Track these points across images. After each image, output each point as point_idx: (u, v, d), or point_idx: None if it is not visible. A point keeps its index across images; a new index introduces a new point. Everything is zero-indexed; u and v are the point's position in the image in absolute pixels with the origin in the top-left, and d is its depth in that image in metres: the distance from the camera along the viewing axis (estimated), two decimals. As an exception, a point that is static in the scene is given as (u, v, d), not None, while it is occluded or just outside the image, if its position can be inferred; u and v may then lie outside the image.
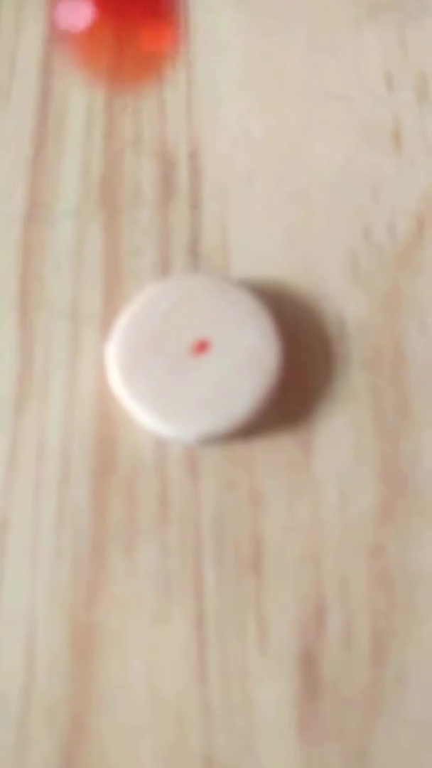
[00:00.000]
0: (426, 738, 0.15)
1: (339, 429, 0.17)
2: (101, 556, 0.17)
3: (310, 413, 0.18)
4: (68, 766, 0.15)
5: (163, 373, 0.17)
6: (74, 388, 0.18)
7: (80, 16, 0.14)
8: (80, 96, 0.21)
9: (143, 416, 0.17)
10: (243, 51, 0.21)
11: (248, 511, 0.17)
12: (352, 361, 0.18)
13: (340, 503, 0.17)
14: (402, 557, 0.16)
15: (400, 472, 0.17)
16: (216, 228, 0.19)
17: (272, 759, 0.15)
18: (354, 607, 0.16)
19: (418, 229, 0.19)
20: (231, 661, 0.16)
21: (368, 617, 0.16)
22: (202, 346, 0.18)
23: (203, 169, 0.20)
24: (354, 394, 0.18)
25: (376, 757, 0.15)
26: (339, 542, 0.17)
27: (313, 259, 0.19)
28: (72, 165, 0.20)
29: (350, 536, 0.17)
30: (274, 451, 0.17)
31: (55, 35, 0.14)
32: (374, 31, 0.21)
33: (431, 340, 0.18)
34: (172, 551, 0.17)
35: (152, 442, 0.17)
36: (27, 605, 0.16)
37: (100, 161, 0.20)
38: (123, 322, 0.18)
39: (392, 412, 0.17)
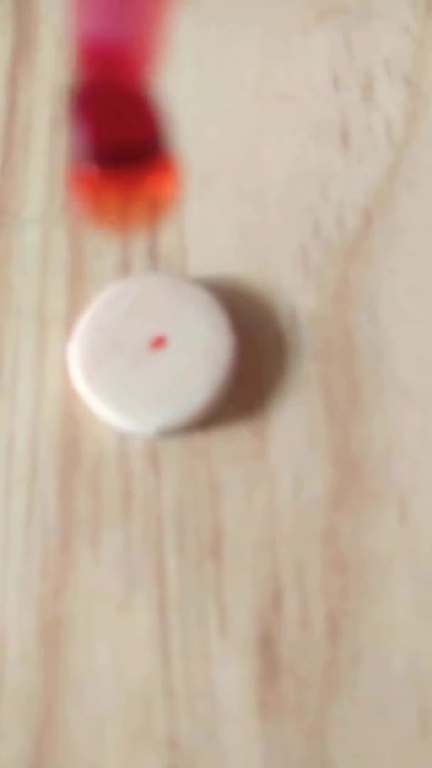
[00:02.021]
0: (379, 714, 0.14)
1: (292, 418, 0.16)
2: (68, 550, 0.15)
3: (264, 404, 0.16)
4: (38, 754, 0.14)
5: (123, 370, 0.16)
6: (40, 388, 0.17)
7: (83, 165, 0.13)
8: (45, 107, 0.20)
9: (105, 412, 0.16)
10: (197, 58, 0.20)
11: (207, 500, 0.16)
12: (304, 352, 0.16)
13: (295, 490, 0.16)
14: (355, 540, 0.15)
15: (351, 458, 0.16)
16: (174, 229, 0.18)
17: (234, 740, 0.14)
18: (309, 590, 0.15)
19: (366, 223, 0.17)
20: (193, 647, 0.15)
21: (323, 599, 0.15)
22: (159, 342, 0.16)
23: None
24: (306, 384, 0.16)
25: (333, 733, 0.14)
26: (294, 528, 0.15)
27: (266, 255, 0.17)
28: (38, 173, 0.19)
29: (305, 521, 0.15)
30: (230, 442, 0.16)
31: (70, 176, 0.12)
32: (322, 34, 0.20)
33: (380, 329, 0.17)
34: (135, 542, 0.15)
35: (115, 437, 0.16)
36: (-4, 598, 0.15)
37: (64, 169, 0.19)
38: (84, 322, 0.17)
39: (343, 400, 0.16)
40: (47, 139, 0.19)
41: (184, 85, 0.20)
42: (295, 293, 0.17)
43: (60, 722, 0.14)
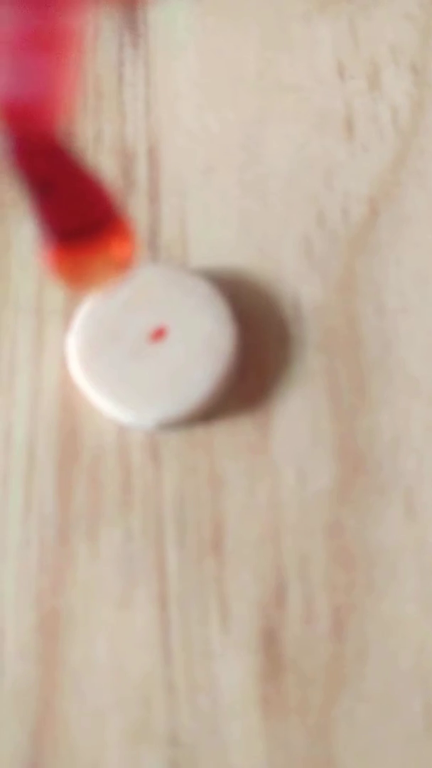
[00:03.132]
0: (385, 711, 0.14)
1: (296, 411, 0.16)
2: (67, 543, 0.15)
3: (267, 396, 0.16)
4: (37, 749, 0.14)
5: (123, 362, 0.16)
6: (38, 380, 0.17)
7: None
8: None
9: (104, 404, 0.16)
10: (199, 49, 0.20)
11: (209, 494, 0.16)
12: (308, 343, 0.17)
13: (299, 483, 0.16)
14: (360, 534, 0.15)
15: (357, 451, 0.16)
16: (174, 220, 0.18)
17: (236, 737, 0.14)
18: (314, 584, 0.15)
19: (371, 213, 0.17)
20: (194, 642, 0.15)
21: (328, 594, 0.15)
22: (159, 334, 0.16)
23: (162, 163, 0.19)
24: (310, 376, 0.16)
25: (338, 730, 0.14)
26: (298, 521, 0.15)
27: (268, 246, 0.17)
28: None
29: (309, 515, 0.15)
30: (232, 434, 0.16)
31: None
32: (325, 24, 0.20)
33: (385, 320, 0.17)
34: (135, 535, 0.15)
35: (114, 429, 0.16)
36: (-6, 593, 0.15)
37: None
38: (82, 313, 0.17)
39: (348, 392, 0.16)
40: (47, 130, 0.19)
41: (186, 75, 0.20)
42: (299, 284, 0.17)
43: (58, 717, 0.14)
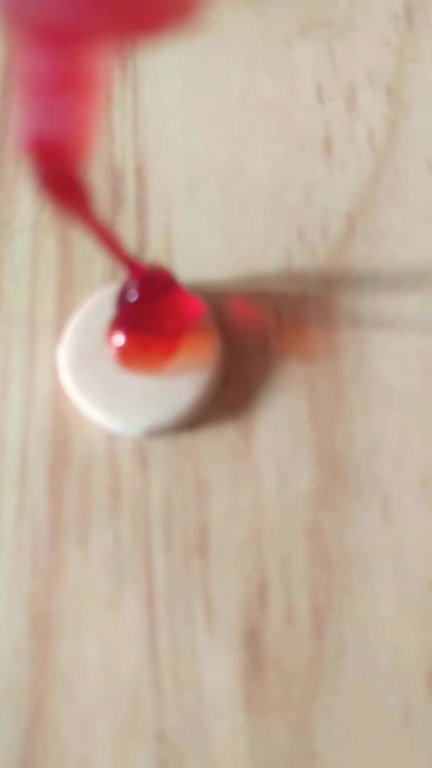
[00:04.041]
0: (363, 706, 0.14)
1: (277, 418, 0.17)
2: (58, 547, 0.16)
3: (250, 404, 0.17)
4: (29, 747, 0.15)
5: (111, 372, 0.17)
6: (31, 391, 0.17)
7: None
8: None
9: (93, 413, 0.17)
10: (185, 71, 0.21)
11: (194, 499, 0.16)
12: (288, 354, 0.17)
13: (280, 487, 0.16)
14: (339, 536, 0.16)
15: (335, 456, 0.16)
16: (161, 235, 0.19)
17: (220, 732, 0.15)
18: (294, 585, 0.15)
19: (348, 228, 0.18)
20: (180, 641, 0.15)
21: (308, 594, 0.15)
22: (146, 346, 0.17)
23: (149, 181, 0.19)
24: (291, 385, 0.17)
25: (318, 726, 0.14)
26: (279, 524, 0.16)
27: (251, 260, 0.18)
28: (28, 186, 0.20)
29: (290, 518, 0.16)
30: (217, 441, 0.16)
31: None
32: (306, 48, 0.20)
33: (362, 331, 0.17)
34: (123, 539, 0.16)
35: (104, 437, 0.17)
36: (-13, 596, 0.16)
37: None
38: (72, 325, 0.17)
39: (327, 400, 0.17)
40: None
41: (172, 96, 0.20)
42: (280, 297, 0.18)
43: (50, 716, 0.15)
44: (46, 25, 0.10)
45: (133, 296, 0.16)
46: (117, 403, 0.16)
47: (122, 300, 0.16)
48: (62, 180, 0.13)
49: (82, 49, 0.11)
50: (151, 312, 0.16)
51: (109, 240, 0.15)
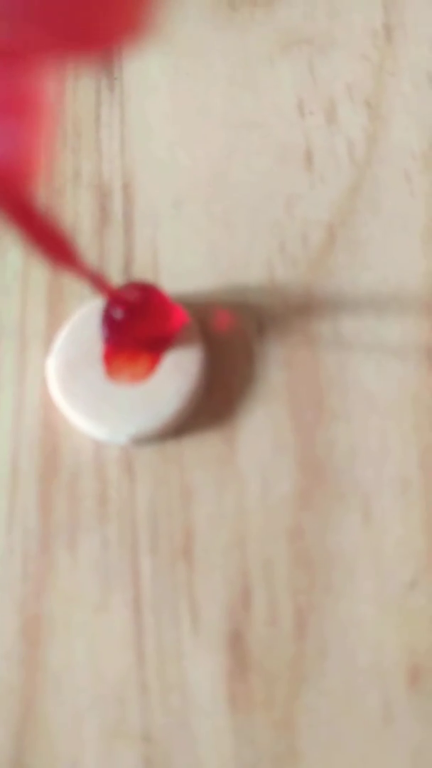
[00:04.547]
0: (345, 705, 0.15)
1: (260, 424, 0.17)
2: (48, 552, 0.16)
3: (233, 411, 0.17)
4: (19, 747, 0.15)
5: (98, 382, 0.17)
6: (21, 401, 0.18)
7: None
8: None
9: (81, 422, 0.17)
10: (170, 89, 0.21)
11: (179, 504, 0.17)
12: (270, 361, 0.17)
13: (263, 492, 0.16)
14: (320, 539, 0.16)
15: (316, 460, 0.17)
16: (147, 249, 0.19)
17: (206, 732, 0.15)
18: (277, 587, 0.16)
19: (329, 238, 0.19)
20: (166, 644, 0.15)
21: (290, 596, 0.15)
22: (132, 356, 0.17)
23: (135, 197, 0.20)
24: (273, 392, 0.17)
25: (301, 724, 0.15)
26: (262, 528, 0.16)
27: (234, 271, 0.18)
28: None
29: (272, 522, 0.16)
30: (201, 448, 0.17)
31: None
32: (287, 64, 0.21)
33: (342, 338, 0.18)
34: (111, 545, 0.16)
35: (91, 445, 0.17)
36: (-21, 601, 0.16)
37: (43, 197, 0.20)
38: (61, 337, 0.18)
39: (308, 406, 0.17)
40: (30, 167, 0.21)
41: (157, 113, 0.21)
42: (262, 307, 0.18)
43: (39, 717, 0.15)
44: None
45: (119, 314, 0.17)
46: (104, 412, 0.17)
47: (108, 317, 0.17)
48: (11, 202, 0.12)
49: (26, 67, 0.11)
50: (137, 327, 0.17)
51: (68, 259, 0.14)
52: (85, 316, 0.18)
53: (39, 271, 0.19)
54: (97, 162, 0.20)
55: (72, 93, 0.21)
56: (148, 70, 0.21)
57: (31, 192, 0.13)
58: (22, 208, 0.13)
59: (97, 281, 0.16)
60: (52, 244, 0.14)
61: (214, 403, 0.17)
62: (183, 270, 0.19)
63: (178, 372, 0.17)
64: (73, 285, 0.19)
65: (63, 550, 0.16)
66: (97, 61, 0.11)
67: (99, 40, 0.11)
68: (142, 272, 0.19)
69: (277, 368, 0.17)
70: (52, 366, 0.17)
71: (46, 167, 0.12)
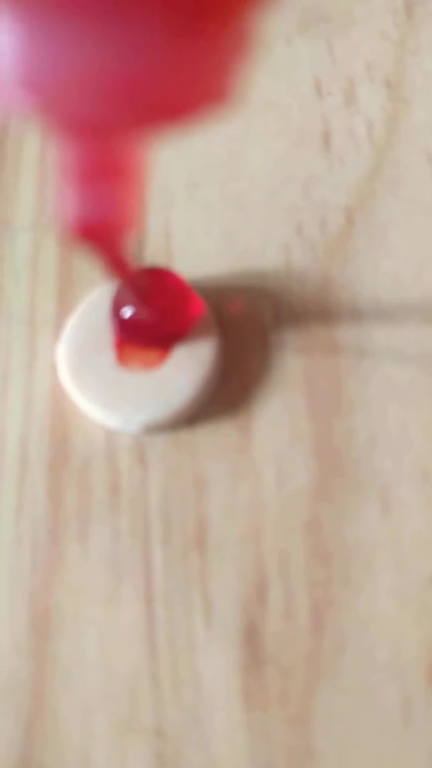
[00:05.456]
0: (362, 702, 0.14)
1: (276, 413, 0.16)
2: (57, 543, 0.16)
3: (248, 399, 0.17)
4: (29, 741, 0.15)
5: (109, 369, 0.17)
6: (31, 388, 0.17)
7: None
8: (36, 125, 0.21)
9: (92, 410, 0.17)
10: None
11: (193, 494, 0.16)
12: (287, 349, 0.17)
13: (279, 483, 0.16)
14: (338, 531, 0.15)
15: (334, 450, 0.16)
16: (160, 232, 0.18)
17: (219, 728, 0.14)
18: (293, 580, 0.15)
19: (348, 223, 0.18)
20: (179, 637, 0.15)
21: (307, 590, 0.15)
22: (144, 342, 0.17)
23: (149, 179, 0.19)
24: (289, 380, 0.17)
25: (317, 721, 0.14)
26: (278, 519, 0.16)
27: (250, 256, 0.18)
28: (28, 186, 0.20)
29: (288, 513, 0.16)
30: (216, 437, 0.16)
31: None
32: (305, 44, 0.20)
33: (362, 326, 0.17)
34: (122, 535, 0.16)
35: (103, 434, 0.17)
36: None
37: (53, 182, 0.19)
38: (71, 323, 0.17)
39: (326, 395, 0.16)
40: (37, 152, 0.20)
41: (171, 95, 0.20)
42: (279, 292, 0.17)
43: (49, 710, 0.15)
44: (78, 120, 0.11)
45: (127, 313, 0.16)
46: (116, 399, 0.16)
47: (117, 315, 0.16)
48: (109, 255, 0.14)
49: (116, 139, 0.12)
50: (153, 320, 0.16)
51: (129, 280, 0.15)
52: (95, 302, 0.17)
53: (49, 257, 0.19)
54: (108, 144, 0.20)
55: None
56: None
57: (125, 245, 0.14)
58: (114, 257, 0.14)
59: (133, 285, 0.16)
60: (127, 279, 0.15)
61: (229, 391, 0.17)
62: (197, 254, 0.18)
63: (191, 359, 0.16)
64: (83, 271, 0.19)
65: (73, 540, 0.16)
66: (182, 130, 0.12)
67: (184, 114, 0.11)
68: (155, 256, 0.18)
69: (294, 355, 0.17)
70: (63, 353, 0.17)
71: (137, 225, 0.13)
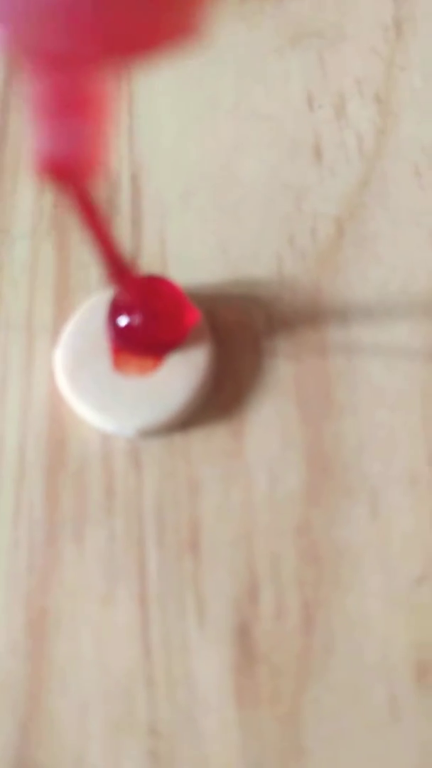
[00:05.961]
0: (351, 701, 0.15)
1: (268, 418, 0.17)
2: (54, 545, 0.16)
3: (241, 405, 0.17)
4: (25, 741, 0.15)
5: (106, 374, 0.17)
6: (28, 393, 0.18)
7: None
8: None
9: (89, 414, 0.17)
10: (179, 81, 0.21)
11: (186, 497, 0.16)
12: (279, 355, 0.17)
13: (270, 486, 0.16)
14: (327, 533, 0.16)
15: (324, 455, 0.16)
16: (155, 241, 0.19)
17: (212, 726, 0.15)
18: (284, 582, 0.15)
19: (338, 232, 0.18)
20: (172, 637, 0.15)
21: (297, 591, 0.15)
22: (140, 349, 0.17)
23: (143, 189, 0.20)
24: (281, 385, 0.17)
25: (307, 719, 0.15)
26: (269, 522, 0.16)
27: (243, 264, 0.18)
28: (27, 194, 0.20)
29: (280, 516, 0.16)
30: (209, 441, 0.17)
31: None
32: (296, 57, 0.21)
33: (350, 332, 0.17)
34: (117, 538, 0.16)
35: (98, 438, 0.17)
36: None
37: (51, 189, 0.20)
38: (69, 329, 0.17)
39: (316, 400, 0.17)
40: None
41: (167, 106, 0.21)
42: (271, 300, 0.18)
43: (45, 710, 0.15)
44: (47, 53, 0.11)
45: (123, 321, 0.16)
46: (112, 404, 0.17)
47: (113, 323, 0.17)
48: (77, 195, 0.13)
49: (85, 73, 0.12)
50: (148, 328, 0.16)
51: (107, 246, 0.15)
52: (92, 308, 0.18)
53: (46, 265, 0.19)
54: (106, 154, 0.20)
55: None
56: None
57: (93, 184, 0.13)
58: (84, 199, 0.14)
59: (126, 279, 0.16)
60: (102, 232, 0.15)
61: (222, 397, 0.17)
62: (191, 262, 0.18)
63: (185, 365, 0.17)
64: (80, 278, 0.19)
65: (69, 542, 0.16)
66: (150, 64, 0.12)
67: (152, 45, 0.11)
68: (150, 264, 0.18)
69: (285, 362, 0.17)
70: (60, 358, 0.17)
71: (105, 162, 0.12)
